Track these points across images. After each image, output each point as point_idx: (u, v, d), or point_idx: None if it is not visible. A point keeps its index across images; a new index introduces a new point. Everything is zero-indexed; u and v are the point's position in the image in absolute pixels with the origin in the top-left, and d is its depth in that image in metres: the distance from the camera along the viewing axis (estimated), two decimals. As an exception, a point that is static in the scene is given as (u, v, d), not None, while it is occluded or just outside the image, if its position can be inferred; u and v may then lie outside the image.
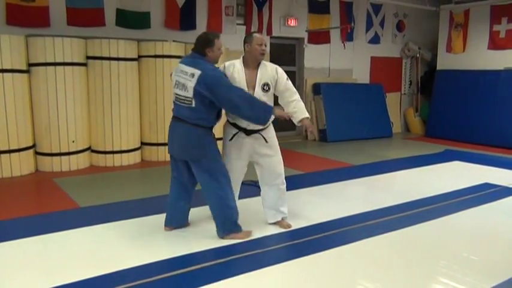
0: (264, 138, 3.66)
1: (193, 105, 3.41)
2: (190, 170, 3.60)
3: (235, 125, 3.66)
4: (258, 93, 3.62)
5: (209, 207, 3.62)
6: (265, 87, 3.63)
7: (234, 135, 3.70)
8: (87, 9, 6.57)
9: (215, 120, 3.57)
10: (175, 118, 3.57)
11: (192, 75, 3.38)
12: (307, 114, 3.73)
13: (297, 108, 3.71)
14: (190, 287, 2.82)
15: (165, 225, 3.80)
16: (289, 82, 3.74)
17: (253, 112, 3.48)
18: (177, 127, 3.54)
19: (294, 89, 3.75)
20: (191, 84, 3.37)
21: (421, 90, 10.76)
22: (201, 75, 3.35)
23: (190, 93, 3.39)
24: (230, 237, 3.59)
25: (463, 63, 9.60)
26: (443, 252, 3.49)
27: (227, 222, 3.60)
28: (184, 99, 3.44)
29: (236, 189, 3.83)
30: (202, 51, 3.48)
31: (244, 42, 3.67)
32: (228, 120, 3.73)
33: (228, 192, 3.57)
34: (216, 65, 3.59)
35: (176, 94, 3.51)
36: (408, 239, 3.74)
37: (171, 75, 3.70)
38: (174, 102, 3.57)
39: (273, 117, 3.57)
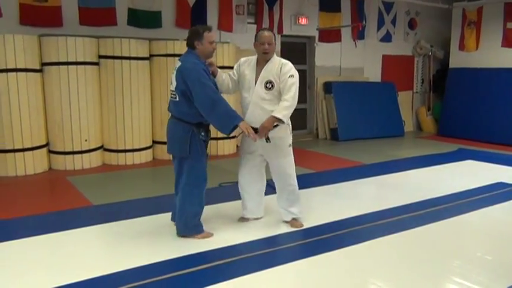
0: (267, 137, 3.54)
1: (177, 98, 3.42)
2: None
3: None
4: (259, 91, 3.57)
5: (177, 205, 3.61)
6: (267, 85, 3.56)
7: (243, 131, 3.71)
8: (99, 8, 6.62)
9: (200, 116, 3.39)
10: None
11: (175, 68, 3.42)
12: (277, 114, 3.45)
13: (277, 107, 3.50)
14: (200, 286, 2.83)
15: (172, 220, 3.82)
16: (291, 80, 3.50)
17: (216, 116, 3.33)
18: (168, 122, 3.59)
19: (292, 88, 3.49)
20: (174, 77, 3.42)
21: (434, 88, 10.65)
22: (180, 67, 3.38)
23: (174, 87, 3.43)
24: (190, 237, 3.57)
25: (476, 61, 9.48)
26: (456, 251, 3.46)
27: (188, 225, 3.58)
28: (172, 93, 3.49)
29: (247, 183, 3.86)
30: (192, 44, 3.47)
31: (254, 39, 3.68)
32: None
33: (196, 197, 3.52)
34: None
35: (170, 90, 3.55)
36: (421, 239, 3.71)
37: None
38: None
39: (239, 129, 3.39)
